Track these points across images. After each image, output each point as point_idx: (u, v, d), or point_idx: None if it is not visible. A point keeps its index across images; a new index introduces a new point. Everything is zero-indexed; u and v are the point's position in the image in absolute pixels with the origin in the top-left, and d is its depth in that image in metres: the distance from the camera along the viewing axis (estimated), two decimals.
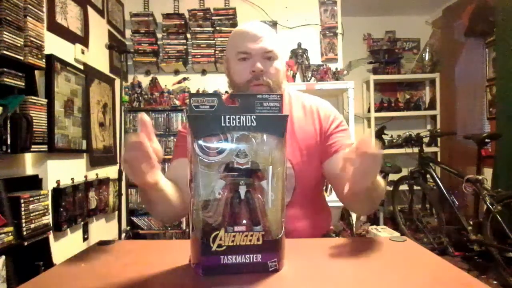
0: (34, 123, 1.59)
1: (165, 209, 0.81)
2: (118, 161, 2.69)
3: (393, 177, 3.21)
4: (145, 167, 0.57)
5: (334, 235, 1.06)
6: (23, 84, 1.56)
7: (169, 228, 2.89)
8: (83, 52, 2.28)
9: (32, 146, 1.60)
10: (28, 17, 1.59)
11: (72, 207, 2.02)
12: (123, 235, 2.60)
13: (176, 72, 3.14)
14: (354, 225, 2.77)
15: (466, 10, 3.17)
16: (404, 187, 3.13)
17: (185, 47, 3.05)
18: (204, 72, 3.16)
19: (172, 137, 2.99)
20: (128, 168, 0.58)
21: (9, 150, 1.46)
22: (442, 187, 2.72)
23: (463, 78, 3.46)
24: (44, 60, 1.71)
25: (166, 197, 0.75)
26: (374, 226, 2.79)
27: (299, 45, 3.15)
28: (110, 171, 2.61)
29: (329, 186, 1.89)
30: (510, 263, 2.17)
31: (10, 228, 1.44)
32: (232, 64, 0.98)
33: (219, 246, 0.51)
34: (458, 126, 3.44)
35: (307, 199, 1.00)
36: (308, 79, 3.09)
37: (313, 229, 0.99)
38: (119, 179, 2.40)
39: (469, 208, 2.70)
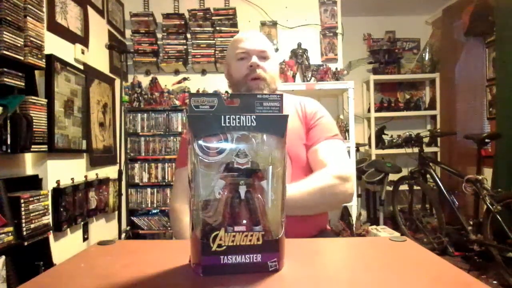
0: (34, 123, 1.59)
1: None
2: (118, 161, 2.69)
3: (393, 177, 3.21)
4: None
5: (333, 235, 1.06)
6: (23, 84, 1.56)
7: (169, 228, 2.89)
8: (83, 52, 2.28)
9: (32, 146, 1.60)
10: (28, 17, 1.59)
11: (72, 207, 2.02)
12: (123, 235, 2.60)
13: (176, 72, 3.14)
14: (354, 225, 2.77)
15: (466, 10, 3.17)
16: (404, 187, 3.13)
17: (185, 47, 3.05)
18: (204, 72, 3.16)
19: (172, 137, 2.99)
20: None
21: (9, 150, 1.47)
22: (442, 187, 2.72)
23: (463, 78, 3.46)
24: (44, 60, 1.71)
25: None
26: (374, 226, 2.79)
27: (299, 45, 3.15)
28: (110, 171, 2.61)
29: None
30: (510, 263, 2.17)
31: (10, 228, 1.44)
32: (232, 65, 1.12)
33: (219, 246, 0.51)
34: (458, 126, 3.44)
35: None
36: (308, 79, 3.08)
37: (312, 220, 1.02)
38: (119, 179, 2.41)
39: (469, 208, 2.70)
